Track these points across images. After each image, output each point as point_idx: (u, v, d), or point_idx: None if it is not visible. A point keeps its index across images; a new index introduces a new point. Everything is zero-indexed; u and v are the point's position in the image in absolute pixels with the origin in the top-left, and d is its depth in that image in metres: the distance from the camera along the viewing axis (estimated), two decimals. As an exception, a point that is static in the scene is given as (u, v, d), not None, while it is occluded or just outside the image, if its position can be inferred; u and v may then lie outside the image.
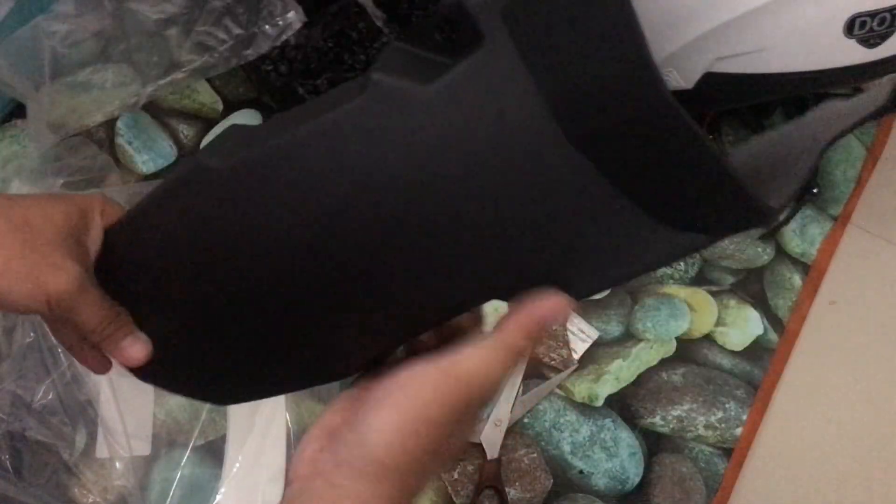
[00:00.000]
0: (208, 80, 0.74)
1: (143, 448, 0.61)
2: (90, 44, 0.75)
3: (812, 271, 0.70)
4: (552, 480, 0.62)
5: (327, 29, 0.62)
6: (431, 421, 0.33)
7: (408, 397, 0.33)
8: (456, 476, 0.61)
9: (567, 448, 0.63)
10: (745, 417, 0.65)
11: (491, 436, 0.62)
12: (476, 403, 0.35)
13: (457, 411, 0.34)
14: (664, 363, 0.67)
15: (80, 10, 0.69)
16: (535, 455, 0.62)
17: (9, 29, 0.67)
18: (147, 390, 0.62)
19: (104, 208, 0.40)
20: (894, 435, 0.64)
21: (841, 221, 0.72)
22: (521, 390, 0.64)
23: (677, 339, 0.67)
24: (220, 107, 0.72)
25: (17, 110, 0.72)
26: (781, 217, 0.71)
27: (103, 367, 0.43)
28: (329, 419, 0.35)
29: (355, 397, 0.36)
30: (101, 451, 0.61)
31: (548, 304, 0.35)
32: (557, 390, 0.64)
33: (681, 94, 0.64)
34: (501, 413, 0.63)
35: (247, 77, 0.73)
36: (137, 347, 0.40)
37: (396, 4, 0.62)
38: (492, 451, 0.62)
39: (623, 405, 0.65)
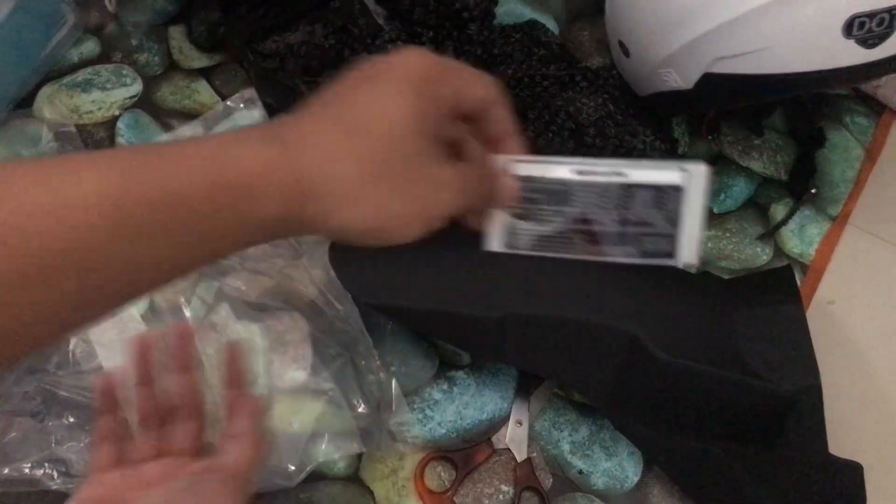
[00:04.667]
0: (208, 80, 0.74)
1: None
2: (90, 44, 0.75)
3: (810, 271, 0.70)
4: (551, 480, 0.62)
5: (329, 26, 0.62)
6: None
7: None
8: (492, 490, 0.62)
9: (566, 447, 0.63)
10: (743, 417, 0.65)
11: (515, 437, 0.62)
12: None
13: None
14: (663, 363, 0.67)
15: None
16: (534, 454, 0.62)
17: (9, 29, 0.67)
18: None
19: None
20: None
21: (839, 222, 0.72)
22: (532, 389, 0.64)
23: (676, 338, 0.67)
24: (221, 107, 0.72)
25: (23, 103, 0.72)
26: (780, 218, 0.71)
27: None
28: None
29: None
30: None
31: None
32: (557, 390, 0.64)
33: (680, 95, 0.64)
34: (521, 413, 0.63)
35: (247, 76, 0.73)
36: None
37: (398, 1, 0.62)
38: (520, 452, 0.62)
39: (622, 405, 0.65)
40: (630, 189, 0.39)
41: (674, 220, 0.39)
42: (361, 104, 0.35)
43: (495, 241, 0.43)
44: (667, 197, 0.39)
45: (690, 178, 0.39)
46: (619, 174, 0.39)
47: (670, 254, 0.41)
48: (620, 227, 0.41)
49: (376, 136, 0.35)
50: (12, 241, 0.29)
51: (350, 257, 0.66)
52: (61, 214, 0.29)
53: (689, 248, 0.40)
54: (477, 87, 0.40)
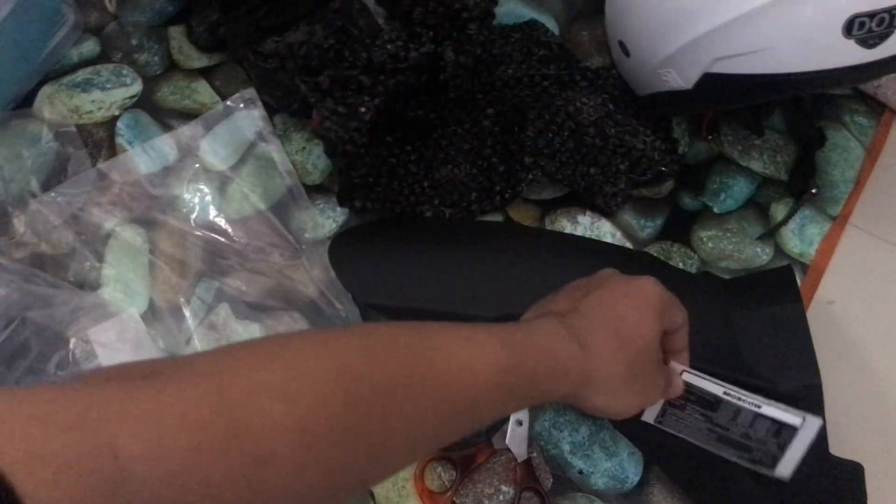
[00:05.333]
0: (208, 80, 0.74)
1: None
2: (90, 44, 0.75)
3: (810, 271, 0.70)
4: (552, 480, 0.62)
5: (329, 26, 0.62)
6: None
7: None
8: (493, 490, 0.62)
9: (566, 447, 0.63)
10: (744, 417, 0.65)
11: (516, 437, 0.62)
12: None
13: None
14: (663, 363, 0.67)
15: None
16: (534, 454, 0.62)
17: (10, 29, 0.67)
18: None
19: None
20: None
21: (839, 221, 0.72)
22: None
23: (676, 338, 0.67)
24: (221, 107, 0.72)
25: (23, 103, 0.72)
26: (780, 218, 0.71)
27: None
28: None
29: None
30: None
31: None
32: (557, 390, 0.65)
33: (680, 95, 0.64)
34: (521, 413, 0.63)
35: (247, 76, 0.73)
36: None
37: (398, 1, 0.62)
38: (520, 453, 0.62)
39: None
40: (759, 416, 0.52)
41: (783, 446, 0.52)
42: (629, 321, 0.48)
43: (650, 415, 0.55)
44: (784, 430, 0.52)
45: (805, 425, 0.52)
46: (755, 405, 0.52)
47: (772, 466, 0.53)
48: (742, 438, 0.53)
49: (637, 349, 0.47)
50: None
51: (350, 257, 0.66)
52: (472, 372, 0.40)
53: (786, 468, 0.53)
54: (679, 314, 0.51)
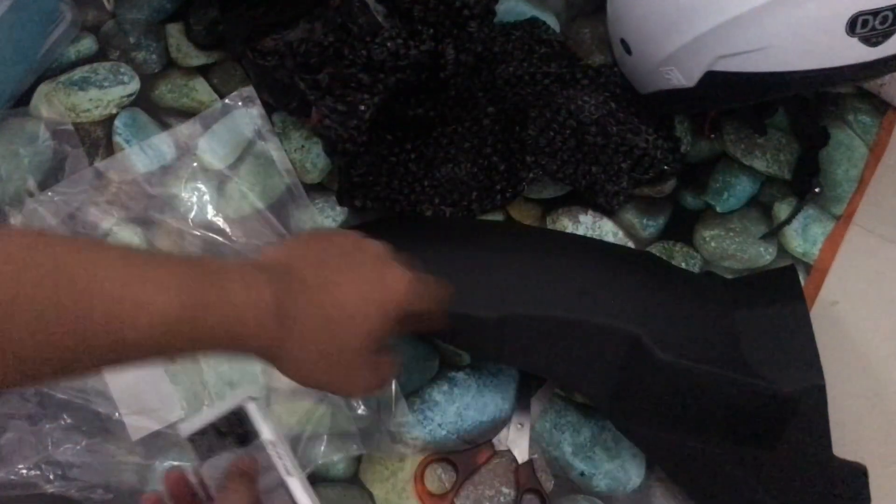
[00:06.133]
0: (206, 78, 0.74)
1: (175, 413, 0.62)
2: (88, 41, 0.75)
3: (814, 271, 0.69)
4: (553, 482, 0.62)
5: (328, 24, 0.62)
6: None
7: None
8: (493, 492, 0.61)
9: (568, 449, 0.62)
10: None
11: (517, 439, 0.62)
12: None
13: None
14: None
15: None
16: (535, 456, 0.62)
17: (7, 26, 0.67)
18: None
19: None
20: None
21: (843, 221, 0.71)
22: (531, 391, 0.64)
23: (678, 339, 0.67)
24: (219, 105, 0.72)
25: (20, 102, 0.72)
26: (784, 217, 0.71)
27: None
28: None
29: None
30: (135, 433, 0.61)
31: None
32: (558, 391, 0.64)
33: (683, 93, 0.63)
34: (522, 415, 0.62)
35: (245, 74, 0.73)
36: None
37: (397, -1, 0.62)
38: (521, 455, 0.62)
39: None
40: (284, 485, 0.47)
41: None
42: (349, 314, 0.45)
43: (187, 430, 0.49)
44: None
45: None
46: (286, 471, 0.47)
47: None
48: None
49: (342, 344, 0.45)
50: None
51: None
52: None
53: None
54: (425, 305, 0.49)
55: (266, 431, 0.47)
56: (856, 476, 0.58)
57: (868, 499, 0.58)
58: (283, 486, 0.46)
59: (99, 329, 0.35)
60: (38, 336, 0.34)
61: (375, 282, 0.45)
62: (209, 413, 0.48)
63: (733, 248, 0.70)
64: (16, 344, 0.34)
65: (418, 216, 0.67)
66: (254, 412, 0.47)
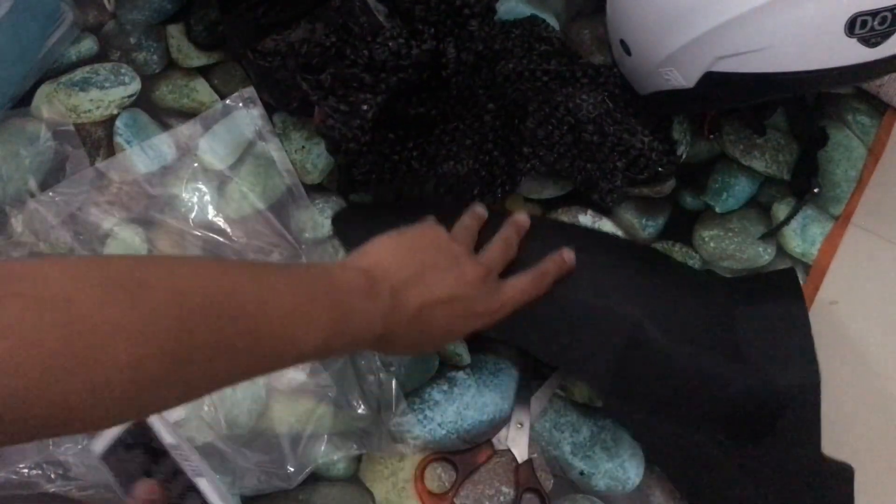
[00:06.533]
0: (206, 79, 0.74)
1: (175, 413, 0.60)
2: (88, 42, 0.75)
3: (813, 271, 0.69)
4: (552, 481, 0.62)
5: (329, 24, 0.62)
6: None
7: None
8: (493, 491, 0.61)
9: (567, 448, 0.62)
10: (745, 418, 0.65)
11: (516, 438, 0.62)
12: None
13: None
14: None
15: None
16: (535, 455, 0.62)
17: (7, 27, 0.67)
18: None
19: None
20: (896, 435, 0.64)
21: (842, 221, 0.71)
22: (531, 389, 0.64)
23: (678, 339, 0.67)
24: (220, 106, 0.72)
25: (21, 102, 0.72)
26: (782, 217, 0.71)
27: None
28: None
29: None
30: None
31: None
32: (558, 391, 0.64)
33: (682, 94, 0.63)
34: (522, 414, 0.63)
35: (246, 75, 0.73)
36: None
37: (398, -1, 0.62)
38: (521, 454, 0.62)
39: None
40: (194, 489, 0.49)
41: None
42: (438, 325, 0.55)
43: (99, 445, 0.51)
44: None
45: None
46: (195, 472, 0.49)
47: None
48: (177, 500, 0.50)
49: (433, 337, 0.56)
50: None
51: (354, 229, 0.66)
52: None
53: None
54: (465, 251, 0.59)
55: (167, 436, 0.48)
56: (841, 475, 0.58)
57: (851, 499, 0.57)
58: (193, 488, 0.48)
59: (256, 362, 0.42)
60: (209, 372, 0.40)
61: (462, 313, 0.55)
62: (114, 429, 0.49)
63: (732, 248, 0.70)
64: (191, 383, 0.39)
65: (423, 198, 0.67)
66: (153, 420, 0.49)
